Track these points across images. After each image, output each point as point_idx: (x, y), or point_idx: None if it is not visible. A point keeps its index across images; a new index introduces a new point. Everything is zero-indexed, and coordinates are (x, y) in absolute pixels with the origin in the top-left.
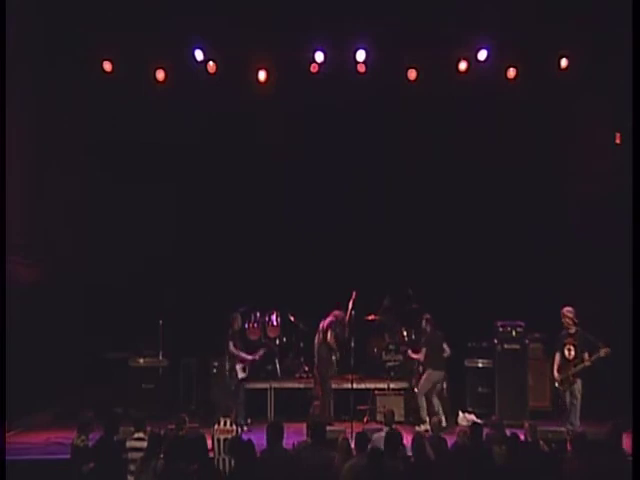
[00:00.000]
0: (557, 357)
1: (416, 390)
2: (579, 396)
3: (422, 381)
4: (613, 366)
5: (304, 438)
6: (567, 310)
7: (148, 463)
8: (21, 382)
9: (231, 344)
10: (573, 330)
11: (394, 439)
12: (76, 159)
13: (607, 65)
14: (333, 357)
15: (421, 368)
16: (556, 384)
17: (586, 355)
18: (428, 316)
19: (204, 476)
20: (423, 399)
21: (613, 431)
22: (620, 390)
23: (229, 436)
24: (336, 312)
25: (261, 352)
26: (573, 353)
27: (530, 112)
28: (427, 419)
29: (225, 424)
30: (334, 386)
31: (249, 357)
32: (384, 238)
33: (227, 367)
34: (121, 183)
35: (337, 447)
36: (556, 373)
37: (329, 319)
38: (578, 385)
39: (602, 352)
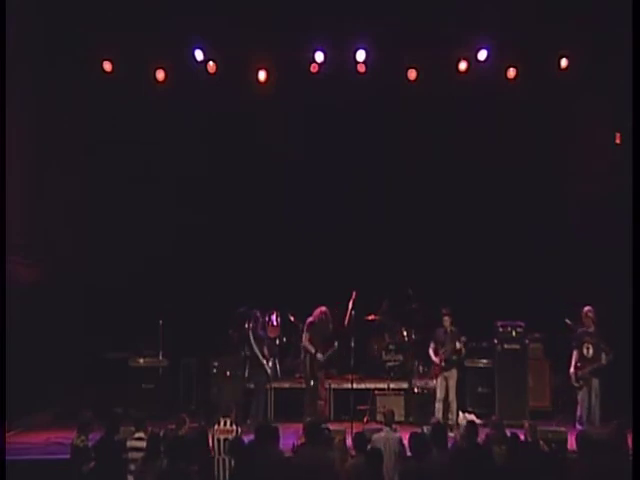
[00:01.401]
0: (575, 354)
1: (450, 396)
2: (597, 395)
3: (454, 385)
4: (613, 366)
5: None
6: (588, 310)
7: (149, 463)
8: (21, 382)
9: (266, 349)
10: (592, 329)
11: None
12: (76, 159)
13: (607, 65)
14: (307, 358)
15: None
16: (573, 382)
17: (603, 355)
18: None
19: (205, 476)
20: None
21: (617, 431)
22: (620, 390)
23: (229, 436)
24: (317, 311)
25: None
26: (592, 352)
27: (530, 112)
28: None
29: (225, 424)
30: (334, 386)
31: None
32: (384, 238)
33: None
34: (121, 183)
35: (335, 447)
36: (572, 370)
37: (308, 320)
38: (596, 385)
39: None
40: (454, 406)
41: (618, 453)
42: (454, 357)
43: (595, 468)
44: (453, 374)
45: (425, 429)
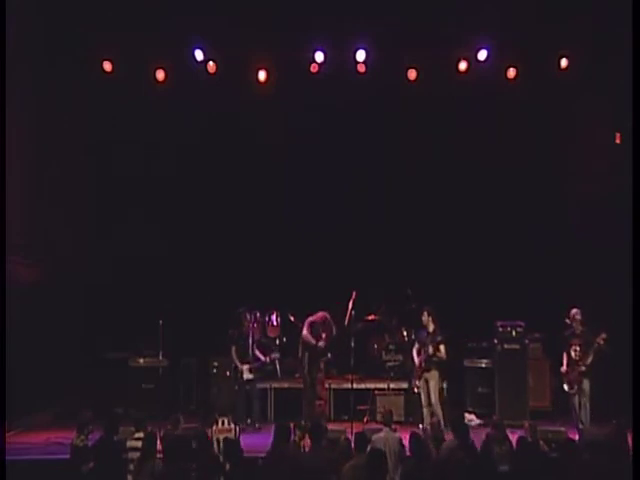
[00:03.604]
0: (564, 358)
1: (432, 399)
2: (588, 396)
3: (436, 387)
4: (613, 366)
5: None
6: (575, 312)
7: (145, 464)
8: (21, 382)
9: (233, 349)
10: (579, 331)
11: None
12: (76, 159)
13: (607, 65)
14: (306, 357)
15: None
16: (565, 386)
17: (591, 355)
18: (429, 309)
19: (204, 475)
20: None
21: (617, 431)
22: (620, 390)
23: (228, 435)
24: (320, 314)
25: (273, 355)
26: (580, 354)
27: (530, 112)
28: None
29: (223, 423)
30: (334, 386)
31: (250, 366)
32: (384, 238)
33: (233, 368)
34: (121, 183)
35: (337, 447)
36: (564, 375)
37: (310, 319)
38: (586, 385)
39: (599, 339)
40: (438, 410)
41: (618, 453)
42: (434, 359)
43: (595, 468)
44: (433, 375)
45: (421, 427)
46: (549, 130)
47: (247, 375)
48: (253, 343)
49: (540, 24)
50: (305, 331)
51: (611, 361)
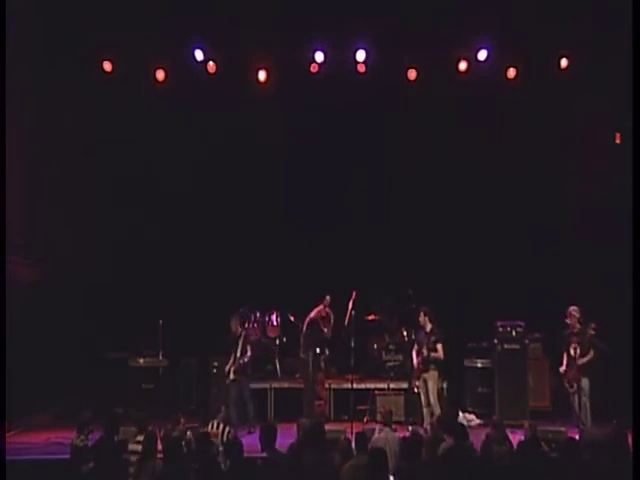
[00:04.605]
0: (565, 357)
1: (431, 399)
2: (587, 395)
3: (434, 387)
4: (613, 366)
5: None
6: (573, 309)
7: (145, 464)
8: (21, 382)
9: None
10: (577, 329)
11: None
12: (76, 159)
13: (607, 65)
14: (310, 356)
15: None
16: (565, 384)
17: (591, 352)
18: (426, 309)
19: (204, 476)
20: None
21: (617, 431)
22: (620, 389)
23: (214, 440)
24: (317, 309)
25: (249, 354)
26: (579, 352)
27: (530, 112)
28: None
29: (212, 426)
30: (334, 386)
31: (233, 367)
32: (384, 238)
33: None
34: (121, 183)
35: (337, 447)
36: (563, 373)
37: (308, 318)
38: (585, 384)
39: (590, 330)
40: (438, 411)
41: (618, 453)
42: (431, 359)
43: (595, 468)
44: (432, 375)
45: (410, 429)
46: (549, 130)
47: (231, 376)
48: (253, 343)
49: (540, 24)
50: (305, 329)
51: (611, 361)
